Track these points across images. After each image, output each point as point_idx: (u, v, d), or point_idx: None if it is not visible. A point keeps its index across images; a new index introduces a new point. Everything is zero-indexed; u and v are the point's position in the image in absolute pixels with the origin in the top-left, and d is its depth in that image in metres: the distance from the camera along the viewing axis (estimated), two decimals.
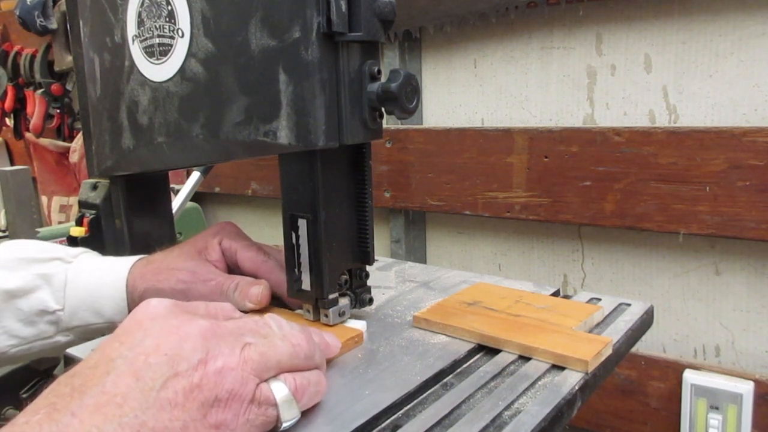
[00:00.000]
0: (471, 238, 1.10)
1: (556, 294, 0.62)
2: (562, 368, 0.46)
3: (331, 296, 0.52)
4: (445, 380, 0.46)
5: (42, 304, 0.56)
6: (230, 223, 0.62)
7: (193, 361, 0.33)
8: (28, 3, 1.45)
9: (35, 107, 1.58)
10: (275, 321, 0.41)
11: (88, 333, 0.59)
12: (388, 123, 1.10)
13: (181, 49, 0.49)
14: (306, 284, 0.52)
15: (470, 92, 1.05)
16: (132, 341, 0.34)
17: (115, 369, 0.32)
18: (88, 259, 0.61)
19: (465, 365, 0.48)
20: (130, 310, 0.57)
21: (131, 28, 0.53)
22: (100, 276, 0.58)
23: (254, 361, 0.35)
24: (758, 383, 0.82)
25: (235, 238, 0.59)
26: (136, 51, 0.53)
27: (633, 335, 0.54)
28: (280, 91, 0.44)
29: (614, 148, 0.87)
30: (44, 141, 1.65)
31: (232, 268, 0.59)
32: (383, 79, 0.46)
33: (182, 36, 0.49)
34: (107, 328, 0.58)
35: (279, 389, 0.36)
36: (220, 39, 0.47)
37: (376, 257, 0.58)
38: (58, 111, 1.59)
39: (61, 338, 0.58)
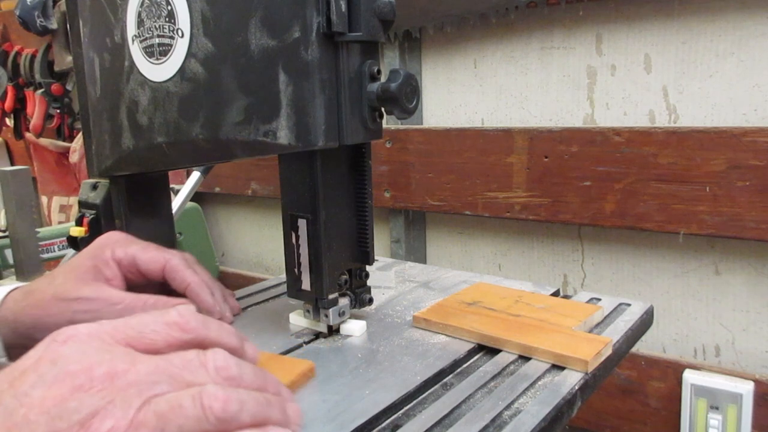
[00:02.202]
0: (471, 238, 1.10)
1: (556, 294, 0.62)
2: (562, 368, 0.46)
3: (330, 296, 0.52)
4: (445, 380, 0.46)
5: None
6: (115, 232, 0.57)
7: (73, 421, 0.28)
8: (28, 3, 1.46)
9: (35, 107, 1.58)
10: (219, 359, 0.32)
11: None
12: (388, 123, 1.10)
13: (180, 49, 0.49)
14: (306, 284, 0.52)
15: (470, 92, 1.05)
16: (21, 386, 0.29)
17: None
18: None
19: (465, 365, 0.48)
20: (10, 346, 0.52)
21: (131, 28, 0.53)
22: None
23: (149, 427, 0.29)
24: (758, 383, 0.82)
25: (127, 244, 0.54)
26: (135, 51, 0.53)
27: (633, 335, 0.54)
28: (279, 91, 0.44)
29: (614, 148, 0.87)
30: (44, 141, 1.65)
31: (132, 281, 0.54)
32: (383, 79, 0.46)
33: (182, 36, 0.49)
34: None
35: None
36: (220, 39, 0.47)
37: (376, 257, 0.58)
38: (58, 111, 1.60)
39: None
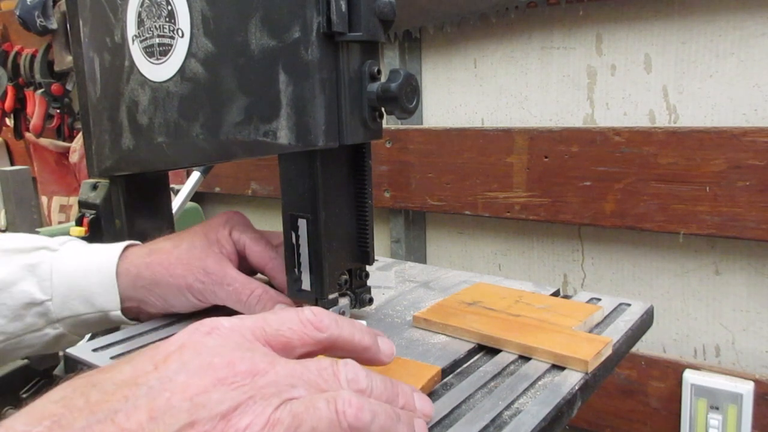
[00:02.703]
0: (471, 238, 1.10)
1: (556, 294, 0.62)
2: (562, 368, 0.46)
3: (330, 296, 0.52)
4: (445, 380, 0.46)
5: (28, 296, 0.54)
6: (238, 212, 0.60)
7: (215, 413, 0.29)
8: (28, 3, 1.46)
9: (35, 107, 1.59)
10: (350, 371, 0.33)
11: (79, 325, 0.56)
12: (388, 123, 1.10)
13: (181, 49, 0.49)
14: (306, 284, 0.52)
15: (470, 92, 1.05)
16: (165, 371, 0.30)
17: (135, 399, 0.29)
18: (75, 246, 0.58)
19: (465, 365, 0.48)
20: (125, 299, 0.56)
21: (131, 28, 0.53)
22: (88, 262, 0.55)
23: (284, 425, 0.29)
24: (758, 383, 0.82)
25: (243, 229, 0.58)
26: (136, 51, 0.53)
27: (633, 335, 0.54)
28: (280, 91, 0.44)
29: (614, 148, 0.87)
30: (44, 141, 1.65)
31: (242, 260, 0.57)
32: (383, 79, 0.46)
33: (182, 36, 0.49)
34: (99, 318, 0.56)
35: None
36: (220, 39, 0.47)
37: (376, 257, 0.58)
38: (58, 111, 1.60)
39: (51, 330, 0.56)
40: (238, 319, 0.34)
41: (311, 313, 0.35)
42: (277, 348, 0.33)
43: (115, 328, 0.58)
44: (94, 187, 0.68)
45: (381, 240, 1.18)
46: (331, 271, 0.51)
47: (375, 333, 0.38)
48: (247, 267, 0.57)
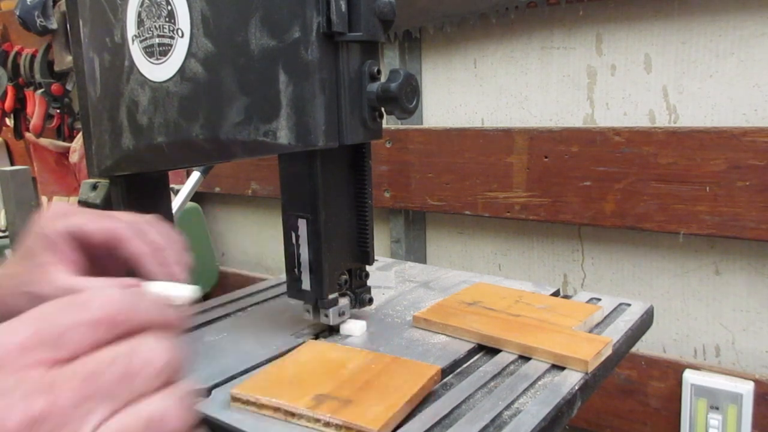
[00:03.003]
0: (471, 238, 1.10)
1: (556, 294, 0.62)
2: (562, 368, 0.46)
3: (330, 296, 0.52)
4: (445, 380, 0.46)
5: None
6: (63, 203, 0.51)
7: None
8: (28, 3, 1.46)
9: (35, 107, 1.58)
10: (146, 364, 0.26)
11: None
12: (388, 123, 1.10)
13: (181, 49, 0.49)
14: (306, 284, 0.52)
15: (470, 92, 1.05)
16: None
17: None
18: None
19: (465, 365, 0.48)
20: None
21: (131, 28, 0.53)
22: None
23: None
24: (758, 383, 0.82)
25: (74, 216, 0.47)
26: (136, 51, 0.53)
27: (633, 335, 0.54)
28: (279, 91, 0.44)
29: (614, 148, 0.87)
30: (44, 141, 1.65)
31: (87, 247, 0.47)
32: (383, 79, 0.46)
33: (182, 36, 0.49)
34: None
35: None
36: (220, 39, 0.47)
37: (376, 257, 0.58)
38: (58, 111, 1.59)
39: None
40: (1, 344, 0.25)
41: (98, 305, 0.27)
42: (65, 360, 0.26)
43: None
44: (94, 187, 0.68)
45: (381, 240, 1.18)
46: (331, 271, 0.51)
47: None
48: (97, 252, 0.47)
